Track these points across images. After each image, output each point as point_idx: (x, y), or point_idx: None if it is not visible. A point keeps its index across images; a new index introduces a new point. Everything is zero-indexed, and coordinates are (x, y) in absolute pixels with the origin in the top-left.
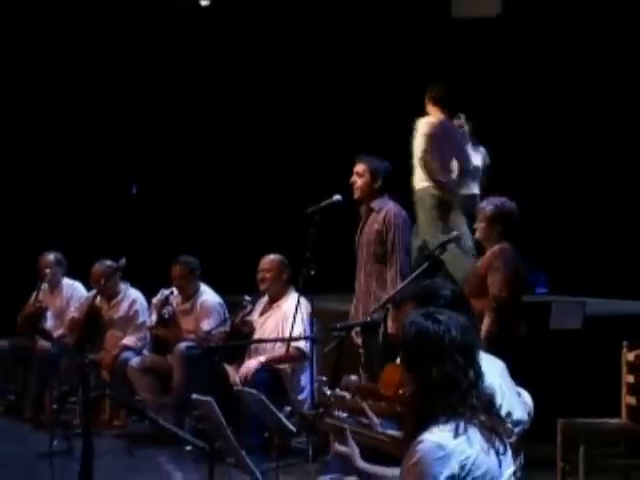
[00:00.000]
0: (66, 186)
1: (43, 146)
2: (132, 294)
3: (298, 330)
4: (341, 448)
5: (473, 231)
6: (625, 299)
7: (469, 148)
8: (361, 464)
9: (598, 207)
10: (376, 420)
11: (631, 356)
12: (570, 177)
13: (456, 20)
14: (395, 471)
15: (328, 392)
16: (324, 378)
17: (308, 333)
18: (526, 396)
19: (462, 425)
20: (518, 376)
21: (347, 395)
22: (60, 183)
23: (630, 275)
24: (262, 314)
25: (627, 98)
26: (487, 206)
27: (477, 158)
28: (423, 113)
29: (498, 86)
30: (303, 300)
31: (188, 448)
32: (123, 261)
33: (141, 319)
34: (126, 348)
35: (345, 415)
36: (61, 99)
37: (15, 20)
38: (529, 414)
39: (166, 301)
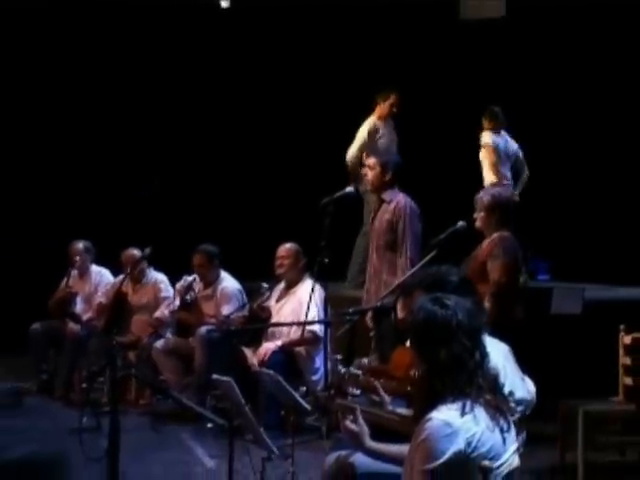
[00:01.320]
0: (96, 180)
1: (76, 144)
2: (156, 277)
3: (313, 314)
4: (351, 427)
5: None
6: (622, 285)
7: None
8: (369, 443)
9: (598, 198)
10: (387, 398)
11: (628, 339)
12: (571, 171)
13: (463, 21)
14: (402, 448)
15: (342, 370)
16: (339, 356)
17: (322, 317)
18: (530, 384)
19: (468, 404)
20: (516, 358)
21: (360, 373)
22: (91, 178)
23: (627, 262)
24: (279, 300)
25: (628, 95)
26: (484, 196)
27: None
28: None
29: (505, 83)
30: (317, 286)
31: (209, 425)
32: (148, 250)
33: (165, 294)
34: (159, 322)
35: (358, 392)
36: (93, 101)
37: (45, 19)
38: (532, 400)
39: (189, 287)
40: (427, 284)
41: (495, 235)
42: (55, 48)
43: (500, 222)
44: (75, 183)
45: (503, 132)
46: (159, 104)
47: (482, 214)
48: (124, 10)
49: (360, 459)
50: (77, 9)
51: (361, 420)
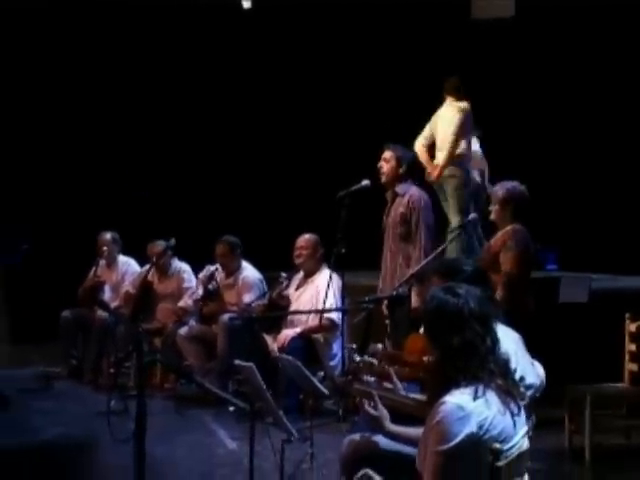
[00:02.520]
0: (123, 175)
1: (105, 139)
2: (180, 266)
3: (330, 303)
4: (371, 411)
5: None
6: (628, 275)
7: None
8: (389, 426)
9: (604, 191)
10: (400, 385)
11: (633, 327)
12: (579, 164)
13: (474, 21)
14: (417, 431)
15: (357, 358)
16: (354, 346)
17: (339, 305)
18: (539, 368)
19: (481, 388)
20: (527, 345)
21: (374, 361)
22: (118, 172)
23: (632, 253)
24: (297, 288)
25: (636, 90)
26: (499, 190)
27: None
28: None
29: (514, 80)
30: (335, 275)
31: (231, 409)
32: (173, 241)
33: (188, 284)
34: (183, 311)
35: (372, 379)
36: (127, 96)
37: (67, 18)
38: (541, 384)
39: (211, 276)
40: (443, 271)
41: (508, 227)
42: (77, 48)
43: (513, 215)
44: (103, 177)
45: None
46: (185, 100)
47: (496, 207)
48: (147, 10)
49: (382, 438)
50: (98, 9)
51: (380, 405)
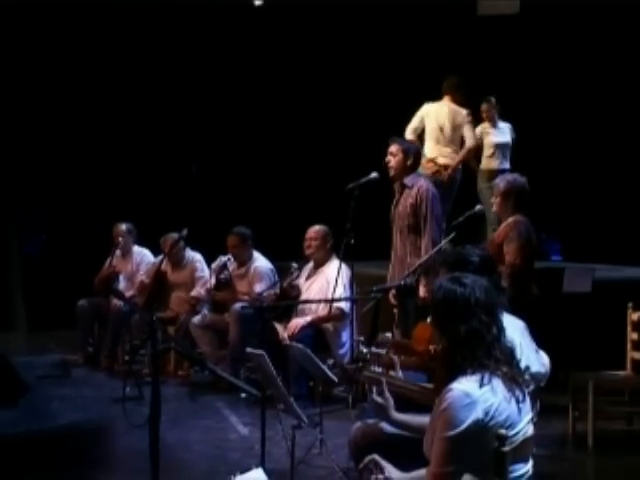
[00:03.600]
0: (138, 168)
1: (120, 134)
2: (193, 257)
3: (339, 292)
4: (378, 399)
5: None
6: (630, 265)
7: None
8: (394, 415)
9: (608, 182)
10: (401, 375)
11: (635, 316)
12: (582, 158)
13: (480, 17)
14: (424, 420)
15: (365, 350)
16: (362, 338)
17: (348, 295)
18: (544, 356)
19: (487, 376)
20: (532, 332)
21: (382, 352)
22: (133, 166)
23: (635, 243)
24: (308, 278)
25: (635, 84)
26: (500, 182)
27: (505, 134)
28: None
29: (519, 75)
30: (344, 266)
31: (243, 395)
32: (185, 231)
33: (200, 273)
34: (195, 300)
35: (380, 370)
36: (138, 92)
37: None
38: (546, 373)
39: (224, 267)
40: (450, 262)
41: (510, 219)
42: (96, 46)
43: (515, 207)
44: (118, 170)
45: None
46: (198, 96)
47: (498, 199)
48: (160, 8)
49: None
50: (125, 7)
51: (387, 393)
